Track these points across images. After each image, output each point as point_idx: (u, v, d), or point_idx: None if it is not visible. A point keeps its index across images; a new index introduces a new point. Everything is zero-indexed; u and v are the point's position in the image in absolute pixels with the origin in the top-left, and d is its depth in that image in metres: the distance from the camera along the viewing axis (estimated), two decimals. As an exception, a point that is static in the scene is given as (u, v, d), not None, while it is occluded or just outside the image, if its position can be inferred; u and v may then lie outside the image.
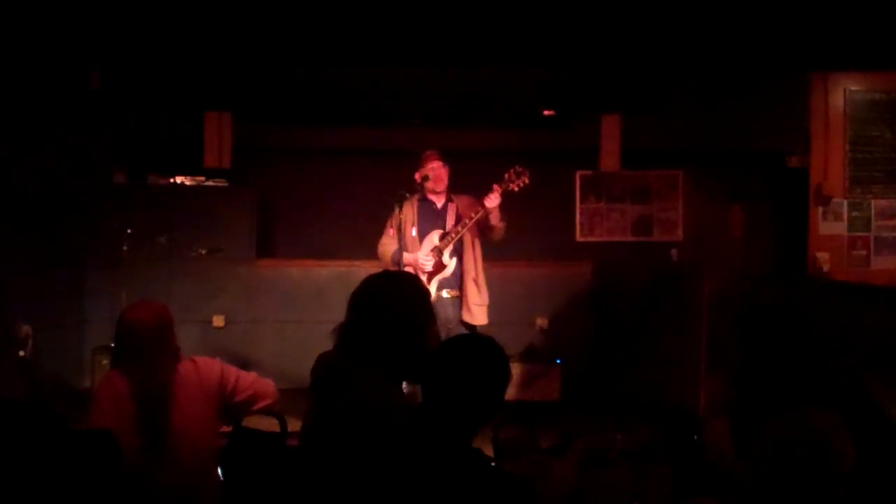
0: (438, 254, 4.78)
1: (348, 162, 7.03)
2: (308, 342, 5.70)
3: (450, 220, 4.89)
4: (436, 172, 4.82)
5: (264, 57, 6.36)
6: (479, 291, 4.85)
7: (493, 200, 4.65)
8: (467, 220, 4.72)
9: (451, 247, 4.78)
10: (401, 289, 2.42)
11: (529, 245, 6.46)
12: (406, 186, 4.64)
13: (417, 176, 4.78)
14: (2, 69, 5.41)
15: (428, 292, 2.59)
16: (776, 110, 6.74)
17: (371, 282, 2.43)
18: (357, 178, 6.91)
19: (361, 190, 6.73)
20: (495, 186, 4.67)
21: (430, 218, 4.91)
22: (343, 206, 6.94)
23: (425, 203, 4.93)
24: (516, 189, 4.71)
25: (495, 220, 4.74)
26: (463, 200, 4.94)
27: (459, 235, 4.75)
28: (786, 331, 2.50)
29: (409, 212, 4.90)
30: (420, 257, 4.77)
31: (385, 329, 2.31)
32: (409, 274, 2.69)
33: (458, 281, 4.83)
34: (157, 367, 2.78)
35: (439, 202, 4.93)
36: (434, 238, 4.84)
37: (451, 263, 4.81)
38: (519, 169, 4.72)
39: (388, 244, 4.82)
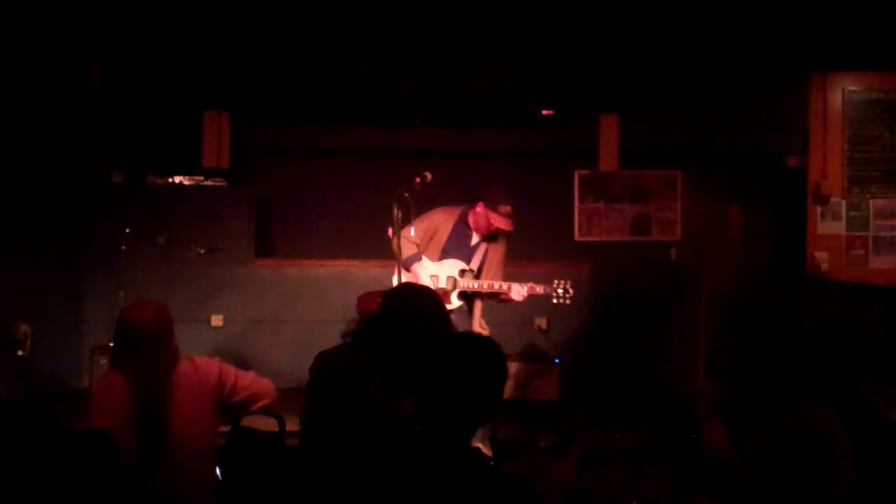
0: (452, 286, 4.75)
1: (347, 162, 7.03)
2: (306, 342, 5.69)
3: (476, 259, 4.81)
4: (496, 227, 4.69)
5: (263, 56, 6.36)
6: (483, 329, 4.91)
7: (520, 296, 4.65)
8: (495, 285, 4.69)
9: (461, 289, 4.75)
10: (437, 307, 2.54)
11: (528, 245, 6.45)
12: (405, 186, 4.63)
13: (417, 179, 4.69)
14: (1, 69, 5.41)
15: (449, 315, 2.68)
16: (775, 110, 6.74)
17: (411, 293, 2.52)
18: (356, 178, 6.90)
19: (360, 190, 6.72)
20: (539, 288, 4.67)
21: (460, 246, 4.79)
22: (342, 206, 6.93)
23: (463, 228, 4.79)
24: (555, 302, 4.75)
25: (500, 300, 4.78)
26: (494, 245, 4.83)
27: (473, 291, 4.74)
28: (777, 330, 2.51)
29: (444, 221, 4.77)
30: (429, 275, 4.73)
31: (414, 341, 2.38)
32: (436, 293, 2.75)
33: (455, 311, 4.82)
34: (156, 366, 2.78)
35: (476, 237, 4.81)
36: (454, 268, 4.75)
37: (454, 303, 4.75)
38: (569, 287, 4.75)
39: (407, 245, 4.66)
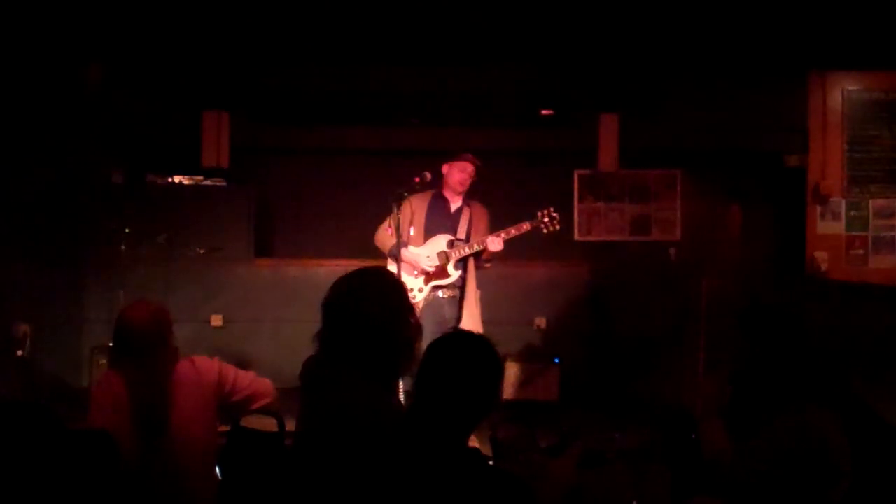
0: (445, 260, 4.76)
1: (346, 161, 7.03)
2: (306, 341, 5.65)
3: (461, 227, 4.86)
4: (466, 175, 4.80)
5: (263, 56, 6.36)
6: (477, 305, 4.88)
7: (496, 245, 4.67)
8: (476, 245, 4.71)
9: (456, 258, 4.77)
10: (368, 286, 2.39)
11: (527, 244, 6.45)
12: (405, 186, 4.63)
13: (417, 179, 4.70)
14: (1, 69, 5.41)
15: (402, 285, 2.58)
16: (774, 110, 6.74)
17: (338, 284, 2.41)
18: (355, 178, 6.90)
19: (359, 189, 6.72)
20: (525, 225, 4.68)
21: (441, 219, 4.86)
22: (341, 206, 6.93)
23: (439, 201, 4.89)
24: (545, 231, 4.74)
25: (485, 258, 4.80)
26: (476, 208, 4.91)
27: (467, 255, 4.75)
28: (783, 331, 2.51)
29: (417, 205, 4.84)
30: (423, 257, 4.75)
31: (359, 329, 2.30)
32: (377, 269, 2.65)
33: (456, 285, 4.82)
34: (156, 366, 2.78)
35: (454, 205, 4.90)
36: (442, 242, 4.80)
37: (454, 274, 4.79)
38: (554, 213, 4.74)
39: (386, 236, 4.75)
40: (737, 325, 2.60)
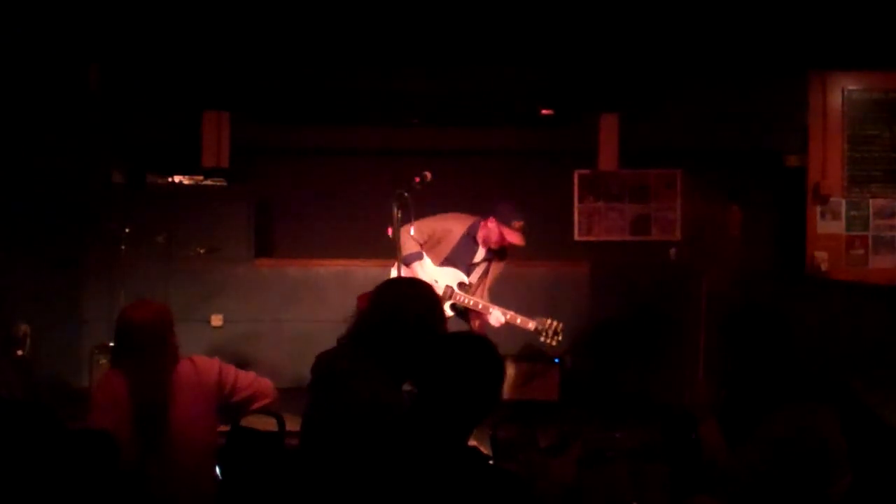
0: (448, 297, 4.73)
1: (347, 161, 7.03)
2: (306, 341, 5.70)
3: (473, 275, 4.82)
4: (504, 244, 4.69)
5: (263, 56, 6.36)
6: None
7: (497, 322, 4.64)
8: (479, 304, 4.69)
9: (455, 301, 4.75)
10: (426, 297, 2.51)
11: (527, 244, 6.45)
12: (405, 186, 4.62)
13: (417, 179, 4.65)
14: (1, 69, 5.41)
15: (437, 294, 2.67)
16: (774, 109, 6.74)
17: (398, 286, 2.55)
18: (355, 178, 6.90)
19: (360, 190, 6.73)
20: (531, 324, 4.64)
21: (463, 258, 4.79)
22: (341, 206, 6.93)
23: (471, 243, 4.79)
24: (542, 339, 4.71)
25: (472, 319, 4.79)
26: (496, 265, 4.87)
27: (466, 306, 4.73)
28: (770, 331, 2.51)
29: (456, 229, 4.75)
30: (430, 280, 4.70)
31: (406, 333, 2.38)
32: (428, 284, 2.72)
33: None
34: (156, 366, 2.79)
35: (479, 256, 4.82)
36: (454, 278, 4.75)
37: (447, 313, 4.75)
38: (560, 329, 4.69)
39: (407, 237, 4.61)
40: (723, 329, 2.61)
